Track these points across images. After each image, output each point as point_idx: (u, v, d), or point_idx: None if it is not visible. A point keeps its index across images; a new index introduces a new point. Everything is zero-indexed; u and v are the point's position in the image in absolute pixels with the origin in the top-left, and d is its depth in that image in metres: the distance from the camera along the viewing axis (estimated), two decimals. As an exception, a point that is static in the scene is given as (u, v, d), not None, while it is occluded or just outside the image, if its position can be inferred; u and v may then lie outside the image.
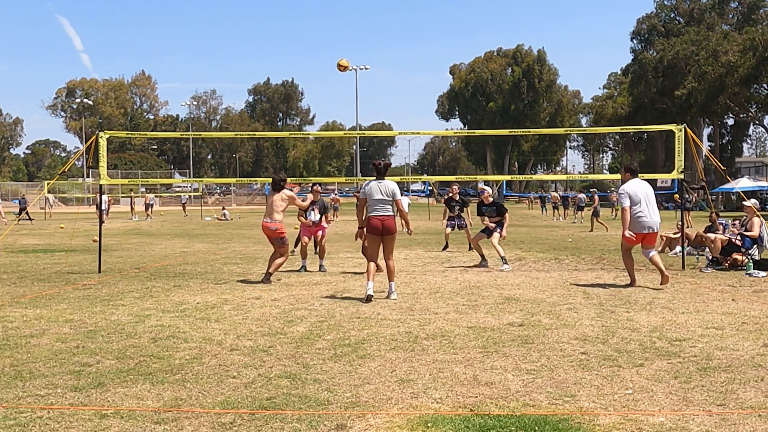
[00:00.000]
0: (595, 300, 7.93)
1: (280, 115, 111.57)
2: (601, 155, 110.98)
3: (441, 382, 4.51)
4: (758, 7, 63.52)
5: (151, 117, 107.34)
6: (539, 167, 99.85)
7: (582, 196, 33.47)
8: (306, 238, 11.55)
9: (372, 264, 8.18)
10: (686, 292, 8.57)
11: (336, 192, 50.63)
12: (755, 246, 11.07)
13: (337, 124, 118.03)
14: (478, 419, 3.76)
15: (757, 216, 11.29)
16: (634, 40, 71.52)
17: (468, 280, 9.84)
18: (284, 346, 5.57)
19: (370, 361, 5.06)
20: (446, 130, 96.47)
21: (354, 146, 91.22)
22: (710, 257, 11.42)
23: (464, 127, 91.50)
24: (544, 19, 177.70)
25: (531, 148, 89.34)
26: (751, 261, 10.53)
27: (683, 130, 11.14)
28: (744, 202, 11.92)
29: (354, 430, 3.64)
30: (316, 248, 11.97)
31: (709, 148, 63.84)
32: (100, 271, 10.88)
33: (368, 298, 7.79)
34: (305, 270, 11.15)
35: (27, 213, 29.90)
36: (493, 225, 11.80)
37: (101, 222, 11.85)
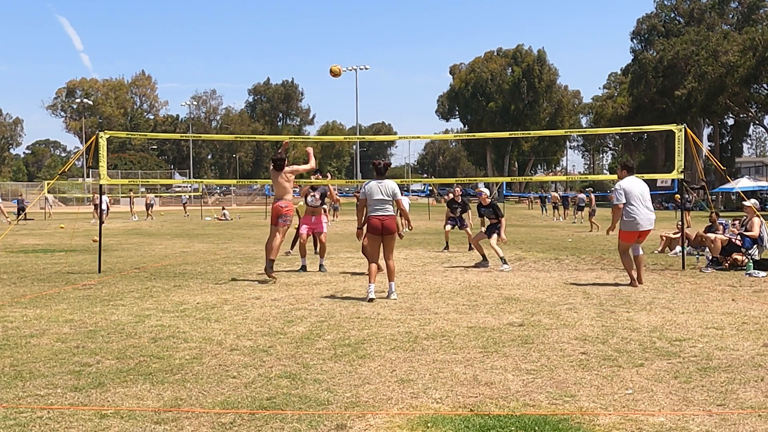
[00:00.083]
0: (595, 300, 7.93)
1: (280, 115, 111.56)
2: (601, 155, 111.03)
3: (441, 382, 4.51)
4: (758, 7, 63.52)
5: (151, 117, 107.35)
6: (539, 167, 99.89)
7: (582, 196, 33.47)
8: (304, 234, 11.43)
9: (373, 265, 8.18)
10: (686, 292, 8.57)
11: (336, 192, 50.57)
12: (755, 246, 11.07)
13: (337, 124, 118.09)
14: (478, 419, 3.76)
15: (757, 216, 11.29)
16: (634, 40, 71.57)
17: (468, 280, 9.84)
18: (284, 346, 5.57)
19: (370, 361, 5.06)
20: (446, 130, 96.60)
21: (354, 146, 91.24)
22: (710, 257, 11.42)
23: (464, 126, 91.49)
24: (544, 19, 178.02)
25: (531, 148, 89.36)
26: (751, 261, 10.53)
27: (683, 130, 11.14)
28: (744, 202, 11.92)
29: (354, 430, 3.63)
30: (315, 248, 11.98)
31: (709, 148, 63.85)
32: (100, 271, 10.88)
33: (369, 301, 7.78)
34: (305, 270, 11.13)
35: (24, 214, 29.91)
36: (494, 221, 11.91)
37: (101, 222, 11.85)
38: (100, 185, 11.63)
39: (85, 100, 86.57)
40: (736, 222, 12.21)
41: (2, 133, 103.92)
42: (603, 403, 4.04)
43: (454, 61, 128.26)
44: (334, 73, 11.41)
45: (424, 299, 8.05)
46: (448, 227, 14.52)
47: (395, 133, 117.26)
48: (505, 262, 11.38)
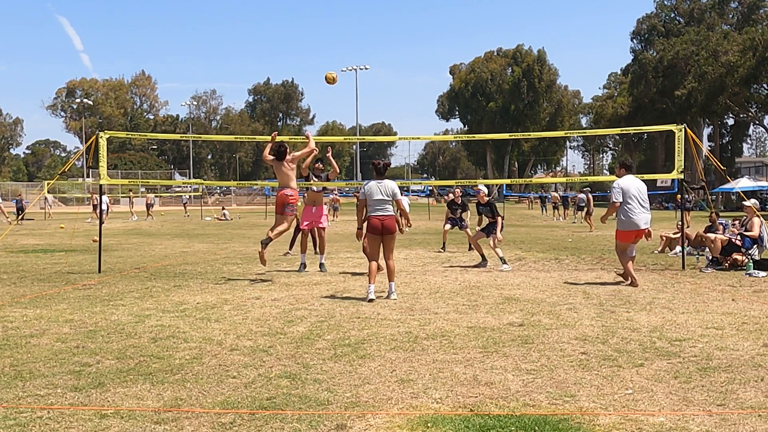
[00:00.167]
0: (595, 300, 7.93)
1: (280, 115, 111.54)
2: (601, 155, 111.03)
3: (441, 382, 4.51)
4: (758, 7, 63.52)
5: (151, 117, 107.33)
6: (539, 167, 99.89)
7: (582, 196, 33.50)
8: (305, 229, 11.40)
9: (374, 264, 8.18)
10: (686, 292, 8.56)
11: (336, 192, 50.59)
12: (755, 246, 11.07)
13: (337, 124, 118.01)
14: (478, 419, 3.76)
15: (757, 216, 11.29)
16: (634, 40, 71.57)
17: (468, 280, 9.84)
18: (284, 346, 5.57)
19: (370, 361, 5.06)
20: (446, 130, 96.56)
21: (354, 147, 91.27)
22: (710, 257, 11.41)
23: (464, 127, 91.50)
24: (544, 19, 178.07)
25: (531, 148, 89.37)
26: (751, 261, 10.53)
27: (683, 130, 11.14)
28: (744, 202, 11.92)
29: (354, 430, 3.63)
30: (315, 248, 11.97)
31: (709, 148, 63.86)
32: (100, 271, 10.88)
33: (369, 302, 7.78)
34: (305, 267, 11.09)
35: (23, 214, 29.87)
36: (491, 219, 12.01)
37: (101, 222, 11.85)
38: (100, 185, 11.62)
39: (85, 100, 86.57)
40: (736, 222, 12.21)
41: (2, 133, 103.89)
42: (603, 403, 4.04)
43: (454, 61, 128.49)
44: (329, 80, 11.20)
45: (424, 299, 8.05)
46: (448, 227, 14.56)
47: (395, 134, 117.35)
48: (504, 262, 11.40)
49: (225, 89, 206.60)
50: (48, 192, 45.55)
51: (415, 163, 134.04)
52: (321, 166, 11.57)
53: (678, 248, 13.21)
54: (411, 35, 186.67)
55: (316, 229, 11.38)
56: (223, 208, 40.89)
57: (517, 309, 7.30)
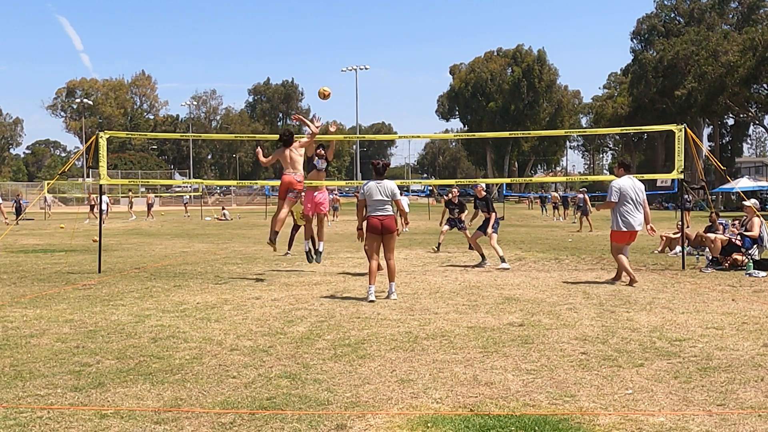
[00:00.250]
0: (595, 300, 7.93)
1: (280, 115, 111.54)
2: (601, 155, 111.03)
3: (441, 382, 4.51)
4: (758, 7, 63.52)
5: (151, 117, 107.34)
6: (539, 167, 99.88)
7: (580, 196, 33.51)
8: (309, 213, 11.15)
9: (374, 264, 8.18)
10: (686, 292, 8.57)
11: (336, 192, 50.58)
12: (755, 246, 11.06)
13: (337, 124, 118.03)
14: (478, 419, 3.76)
15: (757, 216, 11.29)
16: (634, 40, 71.58)
17: (468, 280, 9.85)
18: (284, 346, 5.57)
19: (370, 361, 5.06)
20: (446, 130, 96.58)
21: (354, 146, 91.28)
22: (710, 257, 11.42)
23: (464, 126, 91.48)
24: (544, 19, 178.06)
25: (531, 148, 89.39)
26: (751, 261, 10.53)
27: (683, 130, 11.14)
28: (744, 202, 11.92)
29: (354, 430, 3.63)
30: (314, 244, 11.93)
31: (709, 148, 63.84)
32: (100, 271, 10.88)
33: (369, 302, 7.77)
34: (309, 254, 10.62)
35: (22, 214, 29.90)
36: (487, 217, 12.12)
37: (101, 222, 11.85)
38: (100, 185, 11.62)
39: (85, 100, 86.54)
40: (736, 222, 12.21)
41: (2, 133, 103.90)
42: (603, 403, 4.04)
43: (454, 61, 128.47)
44: (323, 96, 10.98)
45: (424, 299, 8.05)
46: (446, 228, 14.51)
47: (395, 133, 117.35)
48: (503, 261, 11.42)
49: (225, 89, 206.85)
50: (48, 192, 45.55)
51: (415, 163, 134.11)
52: (323, 151, 11.47)
53: (678, 248, 13.21)
54: (411, 35, 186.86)
55: (317, 214, 11.13)
56: (223, 208, 40.89)
57: (517, 309, 7.30)
